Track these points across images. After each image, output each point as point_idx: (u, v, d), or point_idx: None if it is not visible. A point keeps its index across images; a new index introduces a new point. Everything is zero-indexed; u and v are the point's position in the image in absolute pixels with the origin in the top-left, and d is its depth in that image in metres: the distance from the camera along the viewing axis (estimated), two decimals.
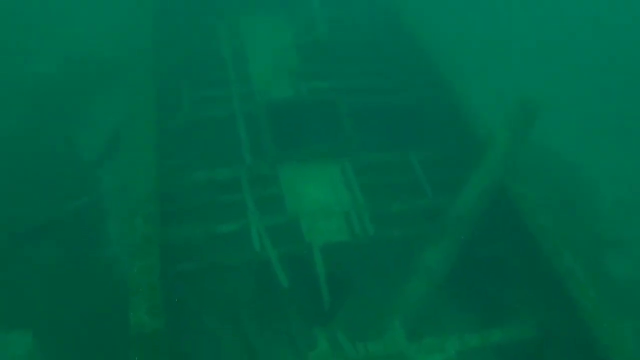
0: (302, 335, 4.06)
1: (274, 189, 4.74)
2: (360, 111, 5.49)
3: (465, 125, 4.96)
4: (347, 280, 4.35)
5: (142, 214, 3.99)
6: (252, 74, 5.90)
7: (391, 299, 4.18)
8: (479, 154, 4.61)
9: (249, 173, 4.80)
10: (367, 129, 5.36)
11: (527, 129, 4.43)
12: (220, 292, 4.27)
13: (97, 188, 5.52)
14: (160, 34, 6.03)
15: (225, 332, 4.14)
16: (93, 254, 4.91)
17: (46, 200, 5.38)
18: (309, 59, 6.20)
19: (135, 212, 4.02)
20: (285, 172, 4.86)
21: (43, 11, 7.83)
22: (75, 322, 4.38)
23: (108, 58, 7.19)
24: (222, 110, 5.44)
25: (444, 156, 5.20)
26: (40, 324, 4.39)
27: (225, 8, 6.83)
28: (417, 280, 4.25)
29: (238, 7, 6.83)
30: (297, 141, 5.17)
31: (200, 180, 4.76)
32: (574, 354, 3.78)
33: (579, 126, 6.74)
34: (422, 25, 6.08)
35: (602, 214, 5.76)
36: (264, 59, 6.09)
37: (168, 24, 6.39)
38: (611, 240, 5.55)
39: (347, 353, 3.76)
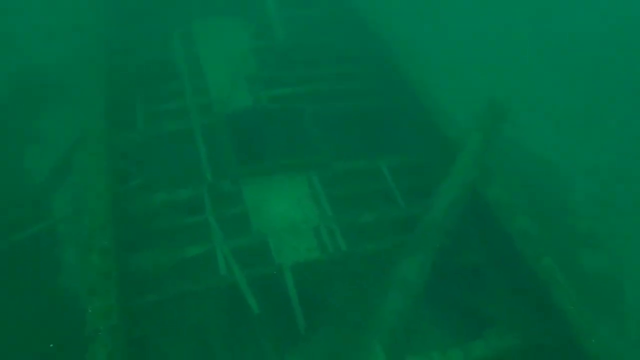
0: None
1: (238, 207, 4.48)
2: (325, 118, 5.27)
3: (435, 129, 4.79)
4: (321, 301, 4.14)
5: (97, 247, 3.69)
6: (209, 83, 5.60)
7: (369, 317, 3.98)
8: (450, 158, 4.46)
9: (210, 192, 4.53)
10: (333, 137, 5.15)
11: (497, 129, 4.29)
12: (187, 322, 3.99)
13: (49, 214, 5.16)
14: (111, 43, 5.69)
15: None
16: (48, 289, 4.56)
17: None
18: (268, 64, 5.93)
19: (90, 244, 3.72)
20: (248, 188, 4.60)
21: None
22: None
23: (56, 70, 6.79)
24: (178, 124, 5.14)
25: (415, 162, 5.03)
26: None
27: (178, 13, 6.50)
28: (394, 295, 4.06)
29: (191, 12, 6.51)
30: (259, 154, 4.92)
31: (159, 203, 4.46)
32: None
33: (551, 123, 6.67)
34: (388, 25, 5.88)
35: (576, 210, 5.69)
36: (220, 66, 5.79)
37: (119, 32, 6.05)
38: (585, 235, 5.48)
39: None
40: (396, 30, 5.90)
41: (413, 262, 4.11)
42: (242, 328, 3.98)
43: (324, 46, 6.32)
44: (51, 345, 4.15)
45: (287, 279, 4.05)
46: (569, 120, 6.77)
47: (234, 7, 6.56)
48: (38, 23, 7.35)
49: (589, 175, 6.14)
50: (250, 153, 4.85)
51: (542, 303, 3.80)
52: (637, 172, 6.29)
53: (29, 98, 6.51)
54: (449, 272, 4.24)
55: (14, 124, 6.19)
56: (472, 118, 4.38)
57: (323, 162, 4.81)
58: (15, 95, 6.58)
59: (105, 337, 3.16)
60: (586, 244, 5.45)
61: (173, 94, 5.52)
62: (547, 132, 6.51)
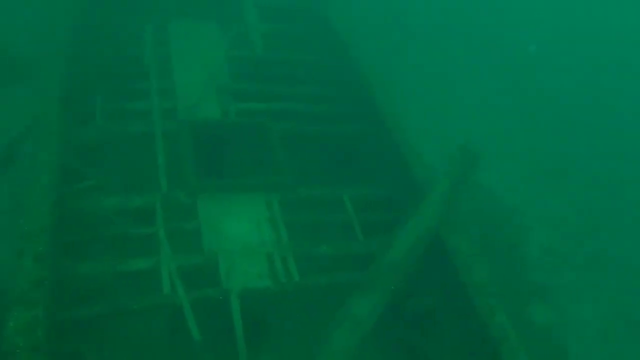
0: None
1: (191, 222, 4.26)
2: (293, 139, 5.12)
3: (403, 165, 4.70)
4: (266, 331, 3.95)
5: (31, 251, 3.42)
6: (177, 87, 5.37)
7: (314, 352, 3.82)
8: (415, 197, 4.37)
9: (164, 202, 4.31)
10: (299, 160, 5.00)
11: (466, 177, 4.23)
12: (122, 341, 3.74)
13: None
14: (79, 34, 5.42)
15: None
16: None
17: None
18: (241, 76, 5.74)
19: (24, 247, 3.44)
20: (204, 203, 4.39)
21: None
22: None
23: (19, 51, 6.43)
24: (139, 126, 4.90)
25: (378, 196, 4.92)
26: None
27: (156, 11, 6.27)
28: (342, 332, 3.93)
29: (169, 11, 6.29)
30: (220, 169, 4.72)
31: (108, 208, 4.21)
32: None
33: (520, 171, 6.71)
34: (367, 50, 5.80)
35: (534, 262, 5.70)
36: (191, 72, 5.56)
37: (91, 22, 5.78)
38: (539, 288, 5.49)
39: None
40: (374, 59, 5.83)
41: (366, 300, 3.98)
42: (181, 352, 3.74)
43: (301, 64, 6.19)
44: None
45: (233, 305, 3.85)
46: (539, 169, 6.82)
47: (213, 13, 6.37)
48: (7, 5, 6.99)
49: (551, 226, 6.18)
50: (211, 167, 4.66)
51: (490, 358, 3.73)
52: (599, 229, 6.37)
53: None
54: (401, 313, 4.14)
55: None
56: (442, 161, 4.32)
57: (285, 185, 4.64)
58: None
59: (26, 356, 2.89)
60: (538, 296, 5.45)
61: (138, 93, 5.27)
62: (515, 179, 6.54)
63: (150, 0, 6.43)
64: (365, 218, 4.70)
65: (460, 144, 4.31)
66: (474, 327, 3.89)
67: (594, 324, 5.42)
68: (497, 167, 6.26)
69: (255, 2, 6.58)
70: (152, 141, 4.80)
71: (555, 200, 6.49)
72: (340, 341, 3.86)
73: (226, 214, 4.37)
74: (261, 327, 3.93)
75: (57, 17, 5.36)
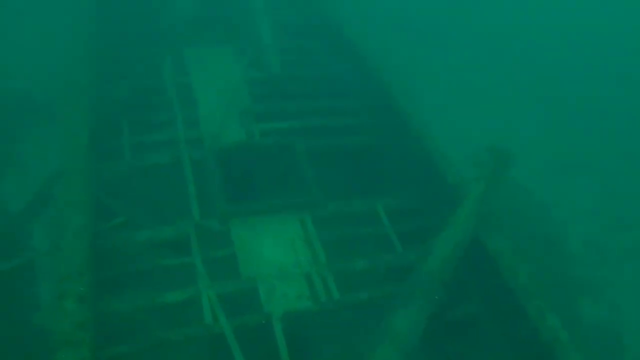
0: None
1: (226, 249, 4.25)
2: (320, 155, 5.08)
3: (434, 172, 4.61)
4: (311, 354, 3.90)
5: (72, 293, 3.44)
6: (200, 114, 5.41)
7: None
8: (449, 202, 4.28)
9: (198, 231, 4.31)
10: (328, 175, 4.96)
11: (499, 178, 4.13)
12: None
13: (27, 246, 4.90)
14: (100, 68, 5.49)
15: None
16: (22, 327, 4.28)
17: None
18: (262, 97, 5.75)
19: (65, 289, 3.47)
20: (238, 229, 4.37)
21: None
22: None
23: (42, 93, 6.58)
24: (167, 157, 4.93)
25: (411, 205, 4.83)
26: None
27: (170, 39, 6.34)
28: (385, 349, 3.85)
29: (184, 39, 6.36)
30: (250, 192, 4.71)
31: (142, 241, 4.23)
32: None
33: (549, 165, 6.55)
34: (385, 58, 5.74)
35: (575, 257, 5.53)
36: (212, 97, 5.60)
37: (108, 57, 5.85)
38: (585, 283, 5.31)
39: None
40: (393, 65, 5.77)
41: (407, 314, 3.90)
42: None
43: (320, 79, 6.17)
44: None
45: (275, 329, 3.82)
46: (568, 164, 6.65)
47: (228, 36, 6.41)
48: (28, 47, 7.18)
49: (589, 219, 5.99)
50: (241, 191, 4.64)
51: None
52: (637, 216, 6.16)
53: (14, 120, 6.30)
54: (445, 324, 4.04)
55: None
56: (473, 164, 4.22)
57: (317, 202, 4.60)
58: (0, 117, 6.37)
59: None
60: (585, 292, 5.28)
61: (162, 124, 5.32)
62: (546, 174, 6.37)
63: (164, 29, 6.51)
64: (401, 228, 4.62)
65: (489, 144, 4.21)
66: (523, 332, 3.77)
67: None
68: (526, 163, 6.09)
69: (270, 21, 6.60)
70: (181, 171, 4.82)
71: (588, 193, 6.30)
72: (384, 358, 3.79)
73: (260, 237, 4.35)
74: (305, 348, 3.88)
75: (75, 58, 5.43)
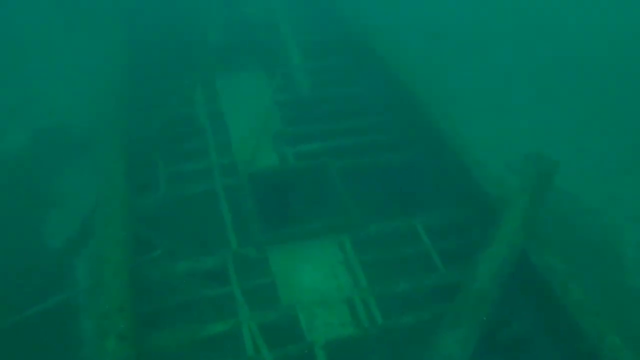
0: None
1: (265, 277, 4.17)
2: (354, 174, 4.99)
3: (474, 184, 4.45)
4: None
5: (113, 332, 3.41)
6: (233, 140, 5.40)
7: None
8: (492, 216, 4.10)
9: (235, 260, 4.25)
10: (364, 195, 4.85)
11: (545, 189, 3.93)
12: None
13: (69, 283, 4.94)
14: (133, 101, 5.56)
15: None
16: None
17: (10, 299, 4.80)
18: (293, 119, 5.71)
19: (106, 327, 3.45)
20: (275, 255, 4.30)
21: (11, 82, 7.39)
22: None
23: (78, 129, 6.73)
24: (202, 185, 4.92)
25: (452, 221, 4.67)
26: None
27: (201, 67, 6.39)
28: None
29: (213, 67, 6.39)
30: (286, 217, 4.64)
31: (181, 273, 4.19)
32: None
33: (594, 167, 6.26)
34: (414, 75, 5.62)
35: (631, 266, 5.22)
36: (244, 123, 5.58)
37: (142, 90, 5.93)
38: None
39: None
40: (421, 79, 5.63)
41: (455, 336, 3.73)
42: None
43: (350, 97, 6.11)
44: None
45: (318, 358, 3.70)
46: (613, 168, 6.34)
47: (257, 61, 6.41)
48: (64, 80, 7.38)
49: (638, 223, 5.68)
50: (277, 216, 4.58)
51: None
52: None
53: (51, 157, 6.43)
54: (495, 346, 3.84)
55: (36, 183, 6.10)
56: (514, 173, 4.03)
57: (354, 223, 4.49)
58: (39, 154, 6.52)
59: None
60: None
61: (196, 152, 5.33)
62: (591, 180, 6.09)
63: (195, 57, 6.57)
64: (442, 246, 4.46)
65: (532, 152, 4.02)
66: (580, 353, 3.55)
67: None
68: (568, 167, 5.85)
69: (297, 42, 6.58)
70: (216, 199, 4.79)
71: (637, 197, 5.97)
72: None
73: (299, 263, 4.26)
74: None
75: (109, 92, 5.51)
